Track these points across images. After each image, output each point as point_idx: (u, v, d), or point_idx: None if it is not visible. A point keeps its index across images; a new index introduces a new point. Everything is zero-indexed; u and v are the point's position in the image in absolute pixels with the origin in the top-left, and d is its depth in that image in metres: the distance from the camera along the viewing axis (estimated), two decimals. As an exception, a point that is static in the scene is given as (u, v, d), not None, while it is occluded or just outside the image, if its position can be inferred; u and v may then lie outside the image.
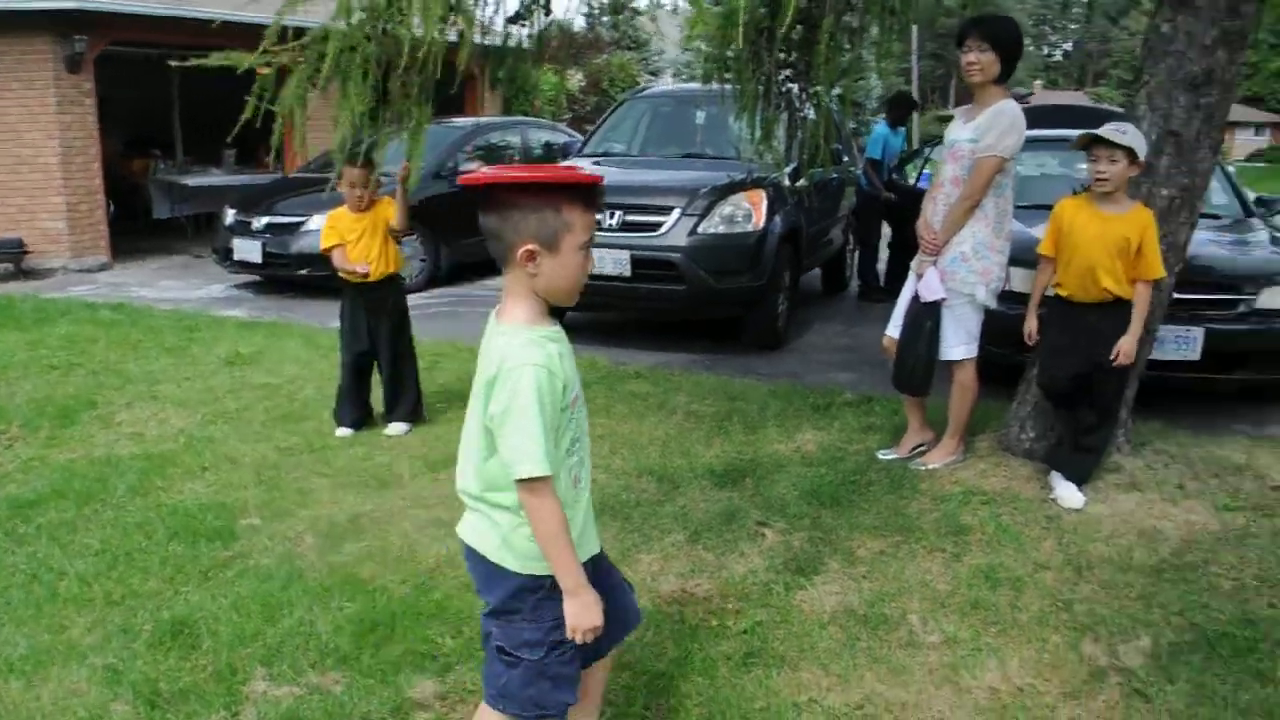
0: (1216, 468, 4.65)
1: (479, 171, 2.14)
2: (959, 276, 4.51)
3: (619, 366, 6.51)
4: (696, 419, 5.39)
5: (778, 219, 7.23)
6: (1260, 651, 3.13)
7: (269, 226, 9.68)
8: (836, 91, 7.89)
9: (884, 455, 4.79)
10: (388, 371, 5.30)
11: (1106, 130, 4.05)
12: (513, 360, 1.97)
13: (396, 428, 5.21)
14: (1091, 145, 4.11)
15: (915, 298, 4.58)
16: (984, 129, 4.37)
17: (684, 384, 6.11)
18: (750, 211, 7.03)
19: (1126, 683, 2.99)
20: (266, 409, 5.60)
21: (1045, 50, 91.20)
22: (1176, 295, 4.92)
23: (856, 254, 10.30)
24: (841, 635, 3.22)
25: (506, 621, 2.14)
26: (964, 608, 3.40)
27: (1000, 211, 4.49)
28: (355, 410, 5.25)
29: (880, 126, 10.07)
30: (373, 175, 5.02)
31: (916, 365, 4.61)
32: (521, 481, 1.96)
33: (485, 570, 2.14)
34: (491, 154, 11.44)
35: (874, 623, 3.30)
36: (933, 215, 4.55)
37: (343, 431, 5.16)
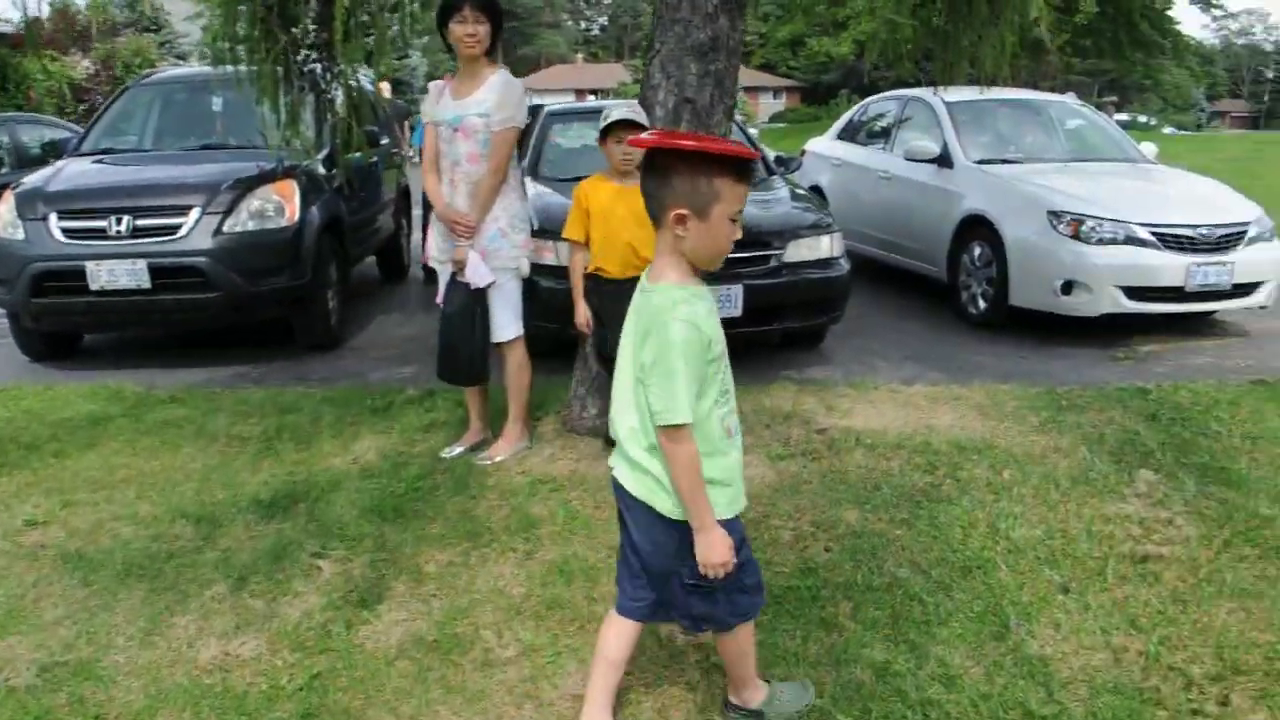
0: (767, 417, 4.86)
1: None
2: (503, 253, 4.35)
3: (149, 392, 5.72)
4: (241, 442, 4.83)
5: (315, 210, 6.70)
6: (823, 599, 3.23)
7: None
8: (367, 71, 7.51)
9: (448, 454, 4.53)
10: None
11: (629, 113, 4.14)
12: (662, 316, 2.17)
13: None
14: (616, 130, 4.14)
15: (455, 286, 4.34)
16: (497, 102, 4.21)
17: (226, 403, 5.48)
18: (282, 204, 6.45)
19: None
20: None
21: (583, 25, 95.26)
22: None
23: (413, 238, 9.95)
24: (412, 669, 2.92)
25: (689, 561, 2.29)
26: (540, 611, 3.22)
27: (519, 181, 4.45)
28: None
29: None
30: None
31: (474, 355, 4.38)
32: (663, 427, 2.16)
33: (652, 525, 2.32)
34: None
35: (446, 647, 3.03)
36: (453, 199, 4.31)
37: None
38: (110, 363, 6.63)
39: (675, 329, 2.14)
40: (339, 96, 5.29)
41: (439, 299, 4.49)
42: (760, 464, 4.33)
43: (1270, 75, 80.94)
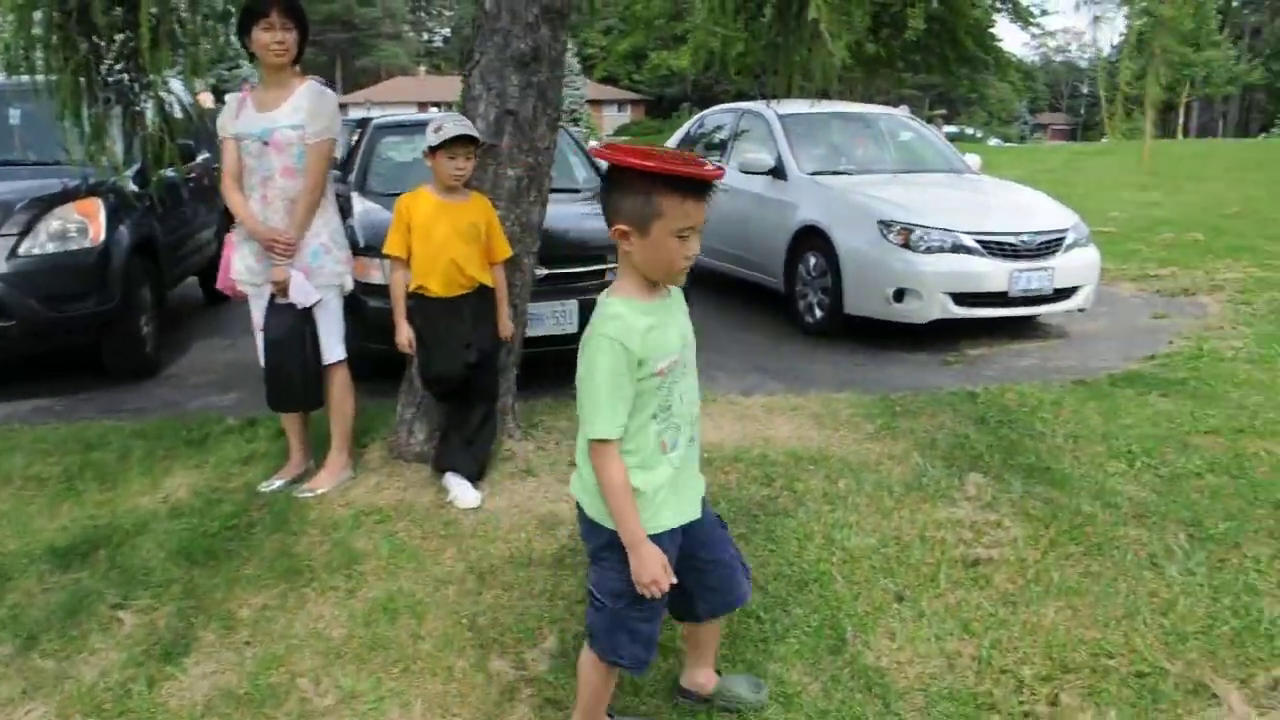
0: (603, 436, 4.75)
1: (599, 147, 2.32)
2: (327, 270, 4.15)
3: (-66, 432, 5.24)
4: (38, 484, 4.43)
5: (124, 230, 6.27)
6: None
7: None
8: (177, 81, 7.11)
9: (266, 487, 4.26)
10: None
11: (464, 127, 3.98)
12: (591, 330, 2.20)
13: None
14: (454, 145, 3.97)
15: (278, 309, 4.09)
16: (311, 113, 4.00)
17: (23, 440, 5.04)
18: (85, 224, 6.01)
19: (538, 693, 2.81)
20: None
21: (425, 36, 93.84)
22: (552, 271, 4.93)
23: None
24: (219, 729, 2.69)
25: (598, 568, 2.35)
26: (362, 653, 3.02)
27: (333, 196, 4.26)
28: None
29: None
30: None
31: (309, 379, 4.15)
32: (590, 441, 2.19)
33: (584, 521, 2.39)
34: None
35: (258, 699, 2.80)
36: (267, 216, 4.07)
37: None
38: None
39: (599, 345, 2.16)
40: (149, 109, 4.99)
41: (257, 325, 4.23)
42: (597, 485, 4.22)
43: (1085, 90, 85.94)
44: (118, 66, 4.80)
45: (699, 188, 2.13)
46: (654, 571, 2.21)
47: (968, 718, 2.68)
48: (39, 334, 5.87)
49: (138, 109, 5.03)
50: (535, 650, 3.02)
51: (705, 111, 10.69)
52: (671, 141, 10.56)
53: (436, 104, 52.06)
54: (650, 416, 2.24)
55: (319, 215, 4.10)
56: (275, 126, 4.01)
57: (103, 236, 6.06)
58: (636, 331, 2.16)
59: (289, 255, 4.03)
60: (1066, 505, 3.96)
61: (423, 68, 76.06)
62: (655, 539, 2.25)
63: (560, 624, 3.15)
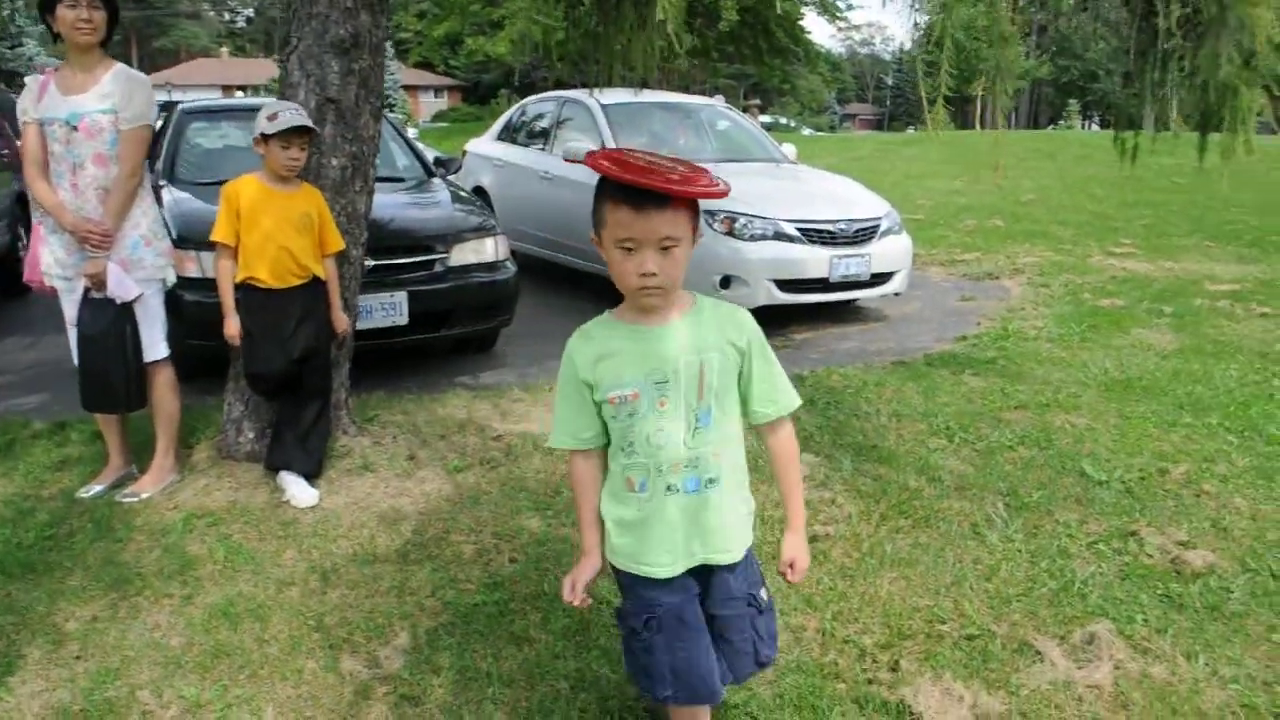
0: (442, 428, 4.71)
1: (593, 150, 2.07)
2: (148, 263, 3.97)
3: None
4: None
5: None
6: (511, 613, 3.15)
7: None
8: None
9: (85, 493, 4.04)
10: None
11: (301, 117, 3.88)
12: None
13: None
14: (294, 135, 3.86)
15: (94, 304, 3.87)
16: (124, 98, 3.80)
17: None
18: None
19: (394, 690, 2.78)
20: None
21: (227, 16, 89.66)
22: (378, 262, 4.84)
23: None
24: (51, 749, 2.55)
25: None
26: (205, 661, 2.92)
27: (150, 185, 4.09)
28: None
29: None
30: None
31: (129, 378, 3.94)
32: None
33: None
34: None
35: (96, 716, 2.68)
36: (80, 206, 3.85)
37: None
38: None
39: (565, 356, 2.12)
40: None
41: (70, 321, 3.99)
42: (438, 478, 4.19)
43: (890, 82, 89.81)
44: None
45: (635, 197, 1.89)
46: (579, 578, 2.16)
47: (815, 688, 2.79)
48: None
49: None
50: (388, 648, 2.98)
51: (527, 100, 10.65)
52: (494, 129, 10.49)
53: (242, 87, 50.01)
54: (618, 448, 2.11)
55: (137, 205, 3.91)
56: (84, 111, 3.79)
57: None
58: (584, 352, 2.07)
59: (105, 247, 3.82)
60: (894, 481, 4.18)
61: (225, 49, 72.77)
62: (628, 583, 2.18)
63: (411, 619, 3.12)
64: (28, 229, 8.97)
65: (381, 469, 4.25)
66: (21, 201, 8.94)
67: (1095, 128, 60.59)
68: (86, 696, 2.76)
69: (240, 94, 38.46)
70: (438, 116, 53.28)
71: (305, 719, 2.68)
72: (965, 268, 9.58)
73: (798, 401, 2.20)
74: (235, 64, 65.82)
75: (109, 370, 3.90)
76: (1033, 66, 68.15)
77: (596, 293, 8.09)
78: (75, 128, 3.78)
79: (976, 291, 8.52)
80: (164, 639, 3.04)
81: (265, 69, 54.26)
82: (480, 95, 53.75)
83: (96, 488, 4.07)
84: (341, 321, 4.20)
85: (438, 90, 63.50)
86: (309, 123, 3.91)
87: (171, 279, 4.11)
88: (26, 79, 4.07)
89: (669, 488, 2.08)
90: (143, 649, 2.98)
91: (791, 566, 2.22)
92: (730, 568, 2.18)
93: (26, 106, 3.87)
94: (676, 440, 2.06)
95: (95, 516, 3.84)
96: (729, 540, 2.16)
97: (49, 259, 3.96)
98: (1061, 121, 63.63)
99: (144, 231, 3.94)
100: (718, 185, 1.94)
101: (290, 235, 3.90)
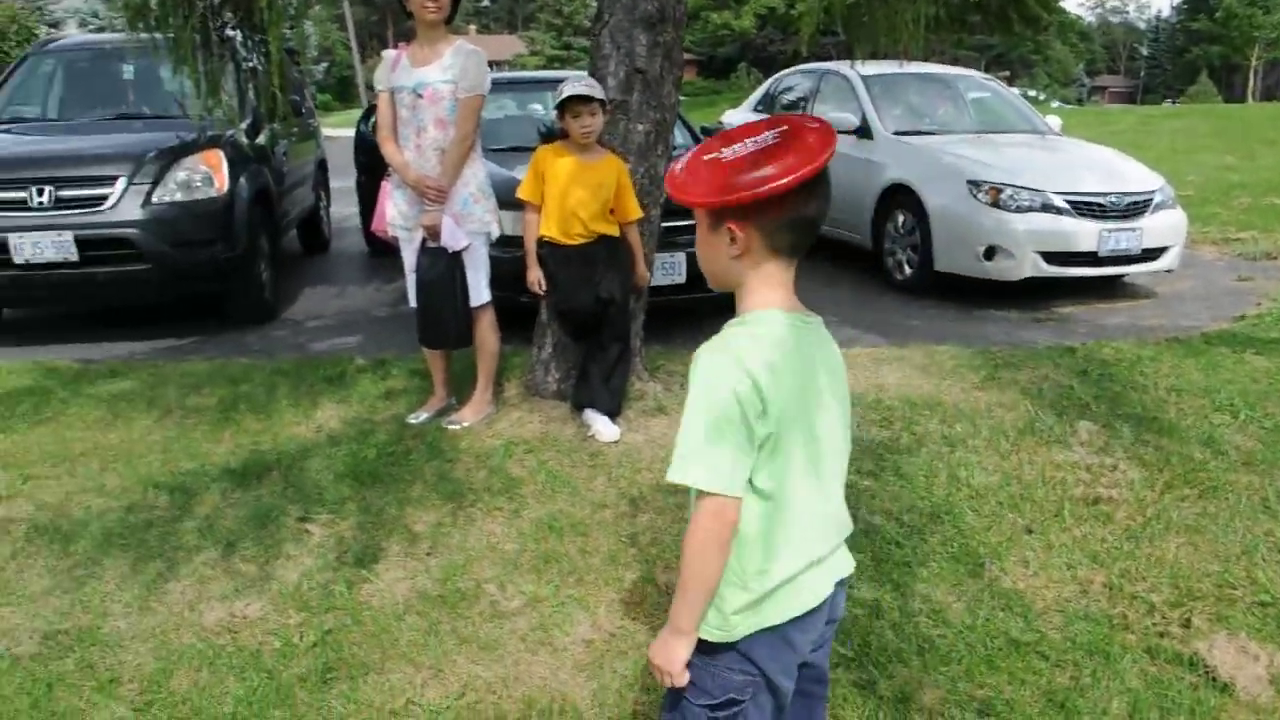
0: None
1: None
2: (475, 217, 4.40)
3: (87, 366, 5.59)
4: (197, 413, 4.77)
5: (244, 181, 6.57)
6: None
7: None
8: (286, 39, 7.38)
9: (414, 419, 4.56)
10: None
11: (584, 88, 4.19)
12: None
13: None
14: (572, 104, 4.18)
15: (430, 252, 4.35)
16: (461, 69, 4.23)
17: (171, 375, 5.38)
18: (210, 174, 6.32)
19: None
20: None
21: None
22: (662, 224, 5.16)
23: (333, 210, 9.82)
24: (422, 623, 2.98)
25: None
26: (537, 564, 3.31)
27: (480, 149, 4.49)
28: None
29: None
30: None
31: (458, 317, 4.41)
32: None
33: None
34: None
35: (452, 601, 3.10)
36: (420, 165, 4.31)
37: None
38: (34, 338, 6.42)
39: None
40: (259, 64, 5.22)
41: (409, 267, 4.49)
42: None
43: (1145, 52, 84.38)
44: (230, 22, 5.02)
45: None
46: (672, 662, 1.67)
47: (1105, 636, 2.89)
48: (172, 278, 6.20)
49: (250, 65, 5.27)
50: (695, 565, 3.28)
51: (783, 73, 10.80)
52: (751, 100, 10.71)
53: (492, 63, 52.19)
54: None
55: (468, 166, 4.34)
56: (428, 81, 4.25)
57: (226, 186, 6.37)
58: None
59: (441, 201, 4.28)
60: (1177, 452, 4.14)
61: (473, 26, 76.04)
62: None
63: (714, 543, 3.40)
64: (328, 193, 9.90)
65: (674, 412, 4.57)
66: (322, 167, 9.87)
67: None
68: (442, 585, 3.19)
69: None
70: (670, 90, 53.78)
71: (631, 620, 3.00)
72: (1240, 246, 9.08)
73: (684, 477, 1.59)
74: (482, 40, 68.72)
75: (442, 310, 4.38)
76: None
77: (853, 262, 8.23)
78: (420, 95, 4.25)
79: (1254, 271, 8.09)
80: (500, 544, 3.44)
81: (509, 45, 56.40)
82: (715, 69, 54.01)
83: (423, 415, 4.58)
84: (644, 275, 4.55)
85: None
86: (586, 91, 4.19)
87: (496, 232, 4.51)
88: (383, 53, 4.57)
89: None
90: (482, 550, 3.40)
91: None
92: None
93: (381, 76, 4.37)
94: None
95: (426, 440, 4.33)
96: None
97: (393, 211, 4.47)
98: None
99: (473, 190, 4.37)
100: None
101: (582, 200, 4.24)
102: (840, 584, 1.79)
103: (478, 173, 4.41)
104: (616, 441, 4.26)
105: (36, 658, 2.84)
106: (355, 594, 3.15)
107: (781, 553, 1.65)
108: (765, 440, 1.59)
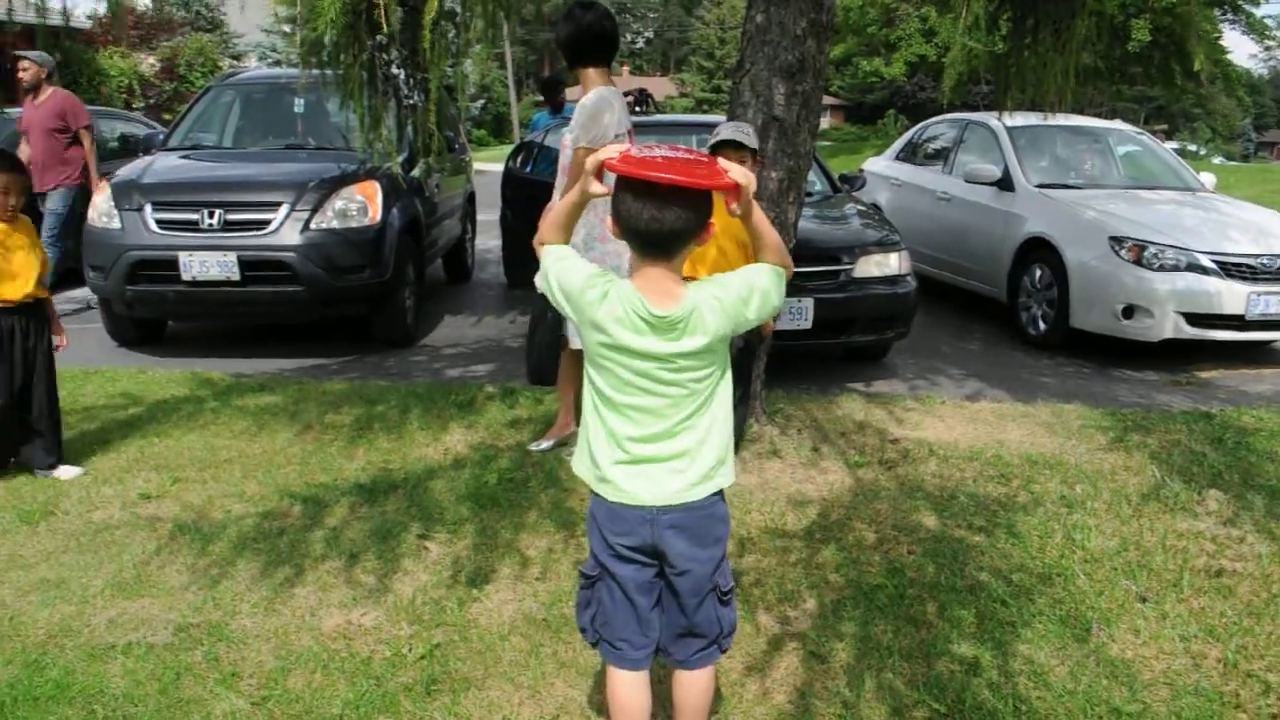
0: (841, 427, 5.01)
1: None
2: (594, 256, 4.52)
3: (238, 379, 5.97)
4: (334, 430, 5.04)
5: (395, 211, 6.93)
6: (909, 598, 3.37)
7: None
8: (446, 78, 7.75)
9: (536, 448, 4.71)
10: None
11: (739, 135, 4.20)
12: None
13: (68, 471, 4.46)
14: (722, 149, 4.25)
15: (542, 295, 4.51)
16: (575, 121, 4.39)
17: (313, 393, 5.70)
18: (365, 204, 6.69)
19: (802, 646, 3.09)
20: None
21: (629, 38, 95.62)
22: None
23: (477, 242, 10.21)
24: (525, 645, 3.09)
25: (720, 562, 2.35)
26: (642, 596, 3.38)
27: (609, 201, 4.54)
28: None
29: (542, 114, 10.02)
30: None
31: (542, 356, 4.55)
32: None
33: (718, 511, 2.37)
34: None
35: (555, 626, 3.20)
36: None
37: None
38: (193, 350, 6.88)
39: None
40: (419, 101, 5.50)
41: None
42: (839, 470, 4.49)
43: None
44: (395, 61, 5.31)
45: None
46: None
47: (1214, 714, 2.81)
48: (324, 301, 6.57)
49: (410, 102, 5.55)
50: (796, 610, 3.31)
51: (927, 121, 10.74)
52: (893, 149, 10.69)
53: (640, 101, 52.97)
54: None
55: (582, 215, 4.47)
56: (564, 129, 4.43)
57: (379, 216, 6.71)
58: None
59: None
60: (1312, 528, 3.98)
61: (626, 68, 77.60)
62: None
63: (818, 589, 3.43)
64: (474, 225, 10.28)
65: (788, 456, 4.61)
66: (470, 200, 10.26)
67: None
68: (548, 610, 3.30)
69: (638, 110, 40.73)
70: (820, 135, 53.77)
71: (728, 658, 3.03)
72: None
73: None
74: (635, 81, 70.03)
75: (529, 346, 4.51)
76: None
77: (985, 314, 8.11)
78: (561, 141, 4.45)
79: None
80: (606, 574, 3.54)
81: (661, 86, 57.29)
82: (863, 115, 53.73)
83: (545, 444, 4.74)
84: (770, 322, 4.60)
85: (823, 110, 64.06)
86: (739, 138, 4.24)
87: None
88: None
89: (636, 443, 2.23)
90: (589, 579, 3.50)
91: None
92: None
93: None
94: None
95: (545, 468, 4.48)
96: None
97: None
98: None
99: (577, 241, 4.47)
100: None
101: (726, 246, 4.31)
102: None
103: (590, 224, 4.43)
104: (731, 483, 4.30)
105: (169, 647, 3.06)
106: (465, 611, 3.28)
107: None
108: None
